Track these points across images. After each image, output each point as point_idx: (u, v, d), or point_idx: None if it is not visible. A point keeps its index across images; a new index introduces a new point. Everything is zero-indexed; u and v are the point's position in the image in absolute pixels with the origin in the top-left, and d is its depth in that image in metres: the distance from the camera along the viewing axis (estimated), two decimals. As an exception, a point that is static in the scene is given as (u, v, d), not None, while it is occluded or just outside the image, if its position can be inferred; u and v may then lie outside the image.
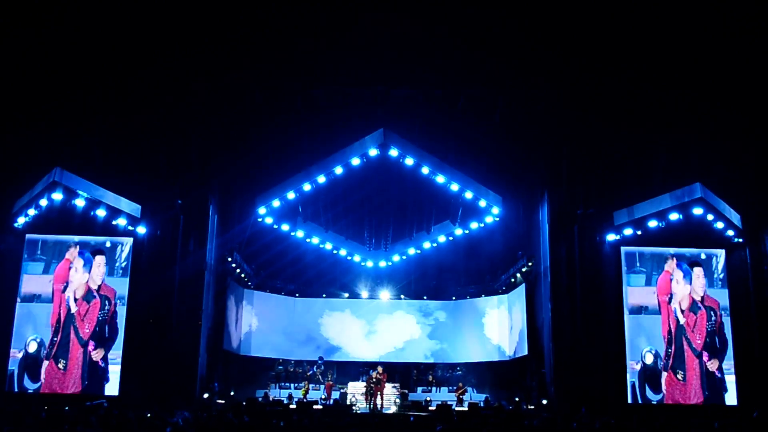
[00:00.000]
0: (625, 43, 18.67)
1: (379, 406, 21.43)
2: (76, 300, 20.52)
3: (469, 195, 22.47)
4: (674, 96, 19.56)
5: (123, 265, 20.92)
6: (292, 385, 25.33)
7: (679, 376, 20.49)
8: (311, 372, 26.17)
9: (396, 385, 24.34)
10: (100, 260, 20.84)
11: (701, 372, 20.52)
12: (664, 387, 20.41)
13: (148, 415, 14.75)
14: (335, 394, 23.81)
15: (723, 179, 20.73)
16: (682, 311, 20.85)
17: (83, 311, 20.48)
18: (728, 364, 20.63)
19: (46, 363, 20.19)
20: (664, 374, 20.50)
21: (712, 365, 20.53)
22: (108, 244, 20.97)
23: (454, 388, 24.73)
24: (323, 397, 23.84)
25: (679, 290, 21.04)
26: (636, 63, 19.13)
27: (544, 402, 20.92)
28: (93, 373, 20.19)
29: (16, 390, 20.00)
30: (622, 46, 18.77)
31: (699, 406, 20.10)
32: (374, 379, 21.77)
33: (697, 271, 21.17)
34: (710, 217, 20.74)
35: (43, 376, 20.08)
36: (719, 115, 19.58)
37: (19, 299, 20.59)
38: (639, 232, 20.87)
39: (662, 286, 21.03)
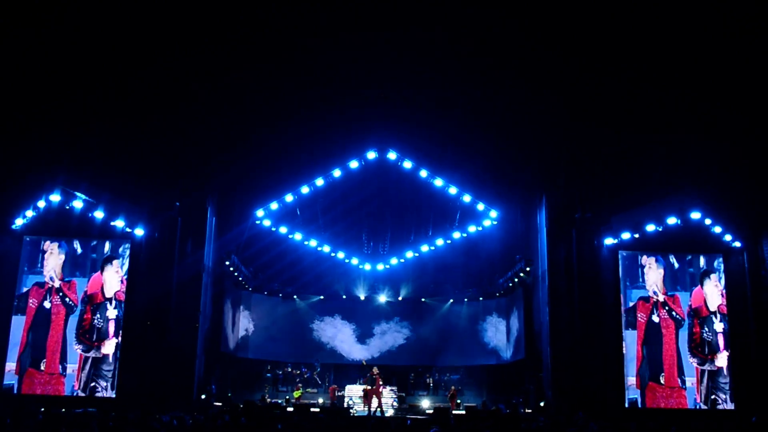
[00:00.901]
0: (623, 47, 18.71)
1: (376, 408, 21.25)
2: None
3: (467, 198, 22.51)
4: (672, 100, 19.59)
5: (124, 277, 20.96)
6: (289, 387, 25.27)
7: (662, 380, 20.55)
8: (308, 375, 26.13)
9: (393, 388, 24.29)
10: (116, 264, 20.92)
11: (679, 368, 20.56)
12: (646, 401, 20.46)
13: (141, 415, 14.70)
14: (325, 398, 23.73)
15: (721, 184, 20.76)
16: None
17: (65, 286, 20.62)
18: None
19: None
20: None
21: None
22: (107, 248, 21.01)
23: (447, 392, 24.70)
24: (321, 400, 23.77)
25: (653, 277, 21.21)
26: (634, 67, 19.16)
27: (542, 404, 20.92)
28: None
29: (15, 391, 19.96)
30: (620, 50, 18.82)
31: (697, 411, 20.09)
32: (370, 379, 21.69)
33: (714, 278, 21.24)
34: (708, 221, 20.78)
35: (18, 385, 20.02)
36: (717, 119, 19.61)
37: (20, 314, 20.50)
38: (637, 236, 20.87)
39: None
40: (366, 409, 21.42)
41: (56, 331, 20.34)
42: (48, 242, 20.83)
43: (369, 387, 21.61)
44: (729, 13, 17.09)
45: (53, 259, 20.78)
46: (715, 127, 19.82)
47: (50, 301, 20.52)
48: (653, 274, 21.17)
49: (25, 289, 20.58)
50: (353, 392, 23.58)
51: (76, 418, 13.92)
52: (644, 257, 21.23)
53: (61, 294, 20.51)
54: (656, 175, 20.96)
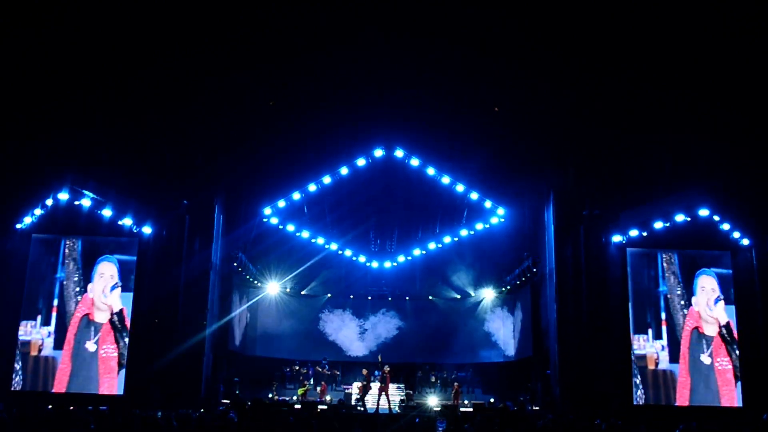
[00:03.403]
0: (631, 43, 18.63)
1: (384, 405, 21.18)
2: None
3: (474, 196, 22.47)
4: (681, 97, 19.50)
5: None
6: (296, 385, 25.30)
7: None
8: (322, 372, 26.10)
9: (401, 385, 24.26)
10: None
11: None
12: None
13: (151, 413, 14.74)
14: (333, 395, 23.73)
15: (729, 181, 20.64)
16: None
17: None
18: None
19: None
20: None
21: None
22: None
23: (451, 389, 24.64)
24: (328, 398, 23.76)
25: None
26: (642, 63, 19.08)
27: (549, 399, 20.91)
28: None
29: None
30: (628, 46, 18.74)
31: (705, 408, 19.99)
32: (381, 377, 21.64)
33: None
34: (716, 218, 20.67)
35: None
36: (726, 116, 19.52)
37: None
38: (645, 234, 20.78)
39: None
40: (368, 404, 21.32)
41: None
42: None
43: (377, 384, 21.58)
44: (731, 13, 16.98)
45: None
46: (723, 124, 19.72)
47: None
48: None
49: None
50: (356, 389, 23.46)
51: (87, 416, 13.95)
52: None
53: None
54: (664, 172, 20.88)
